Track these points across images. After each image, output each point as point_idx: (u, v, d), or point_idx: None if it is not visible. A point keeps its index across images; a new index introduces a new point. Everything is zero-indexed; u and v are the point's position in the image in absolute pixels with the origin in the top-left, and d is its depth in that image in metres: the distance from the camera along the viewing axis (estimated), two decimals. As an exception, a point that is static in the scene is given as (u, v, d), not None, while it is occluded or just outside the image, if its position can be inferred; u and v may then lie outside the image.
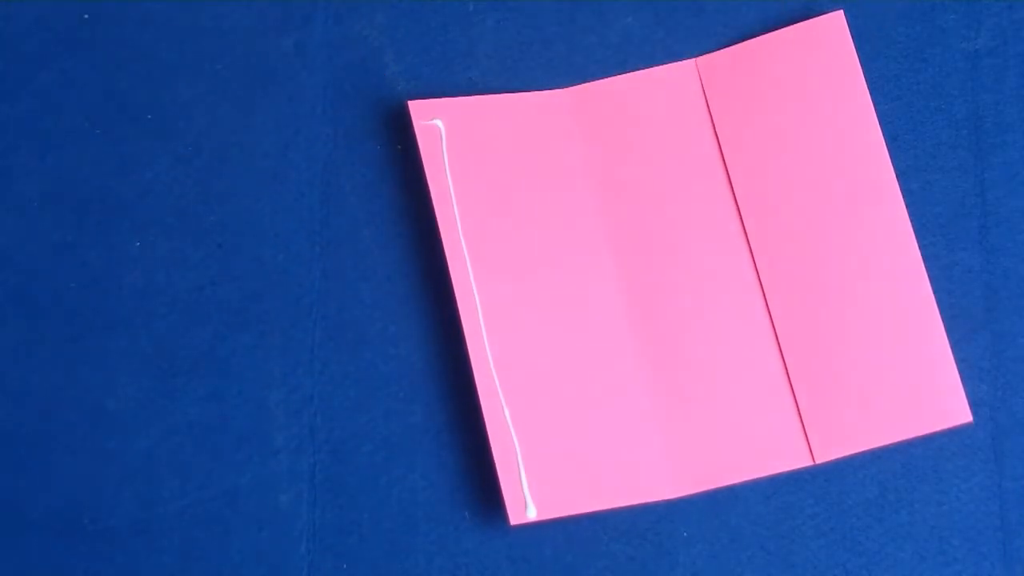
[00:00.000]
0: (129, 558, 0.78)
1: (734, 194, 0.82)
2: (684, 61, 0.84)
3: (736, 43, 0.84)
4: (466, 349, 0.79)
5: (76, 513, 0.78)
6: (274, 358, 0.80)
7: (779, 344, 0.80)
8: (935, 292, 0.80)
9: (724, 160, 0.82)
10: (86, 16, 0.84)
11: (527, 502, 0.77)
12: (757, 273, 0.81)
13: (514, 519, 0.77)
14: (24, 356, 0.80)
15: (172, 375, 0.80)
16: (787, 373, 0.79)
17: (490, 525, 0.78)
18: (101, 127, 0.83)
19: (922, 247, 0.80)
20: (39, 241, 0.82)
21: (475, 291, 0.80)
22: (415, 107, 0.82)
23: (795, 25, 0.83)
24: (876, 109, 0.82)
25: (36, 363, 0.80)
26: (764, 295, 0.81)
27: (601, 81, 0.83)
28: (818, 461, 0.78)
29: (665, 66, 0.84)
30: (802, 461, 0.79)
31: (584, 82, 0.83)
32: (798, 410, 0.79)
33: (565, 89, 0.83)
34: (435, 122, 0.82)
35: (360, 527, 0.78)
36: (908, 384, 0.79)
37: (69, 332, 0.80)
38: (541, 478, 0.77)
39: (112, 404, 0.80)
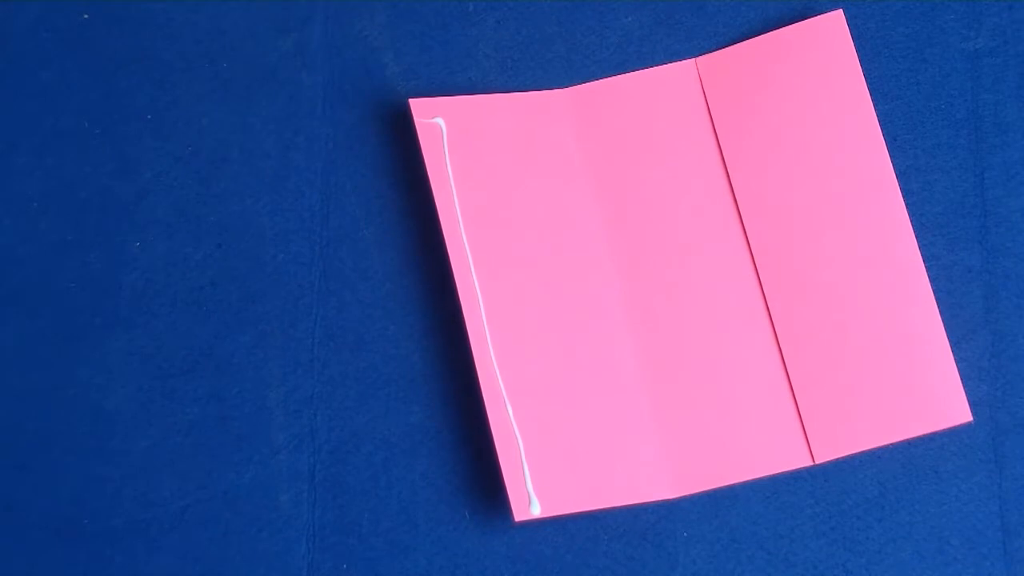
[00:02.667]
0: (129, 558, 0.78)
1: (734, 194, 0.82)
2: (684, 61, 0.84)
3: (736, 43, 0.84)
4: (468, 347, 0.79)
5: (76, 513, 0.78)
6: (274, 358, 0.80)
7: (779, 344, 0.80)
8: (935, 292, 0.80)
9: (724, 160, 0.82)
10: (86, 16, 0.84)
11: (531, 498, 0.77)
12: (757, 272, 0.81)
13: (518, 515, 0.77)
14: (24, 356, 0.80)
15: (172, 375, 0.80)
16: (787, 373, 0.79)
17: (490, 525, 0.78)
18: (101, 127, 0.83)
19: (922, 247, 0.80)
20: (39, 241, 0.82)
21: (477, 288, 0.80)
22: (416, 105, 0.82)
23: (795, 25, 0.83)
24: (876, 109, 0.82)
25: (36, 363, 0.80)
26: (764, 294, 0.81)
27: (601, 81, 0.83)
28: (818, 461, 0.78)
29: (665, 66, 0.84)
30: (802, 461, 0.79)
31: (584, 82, 0.84)
32: (798, 410, 0.79)
33: (565, 89, 0.83)
34: (436, 120, 0.82)
35: (360, 527, 0.78)
36: (908, 384, 0.79)
37: (69, 332, 0.80)
38: (544, 476, 0.77)
39: (112, 404, 0.80)
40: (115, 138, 0.83)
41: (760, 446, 0.79)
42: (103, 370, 0.80)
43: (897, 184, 0.81)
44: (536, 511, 0.77)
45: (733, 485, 0.79)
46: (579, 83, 0.83)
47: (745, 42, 0.83)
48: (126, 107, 0.83)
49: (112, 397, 0.80)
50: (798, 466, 0.78)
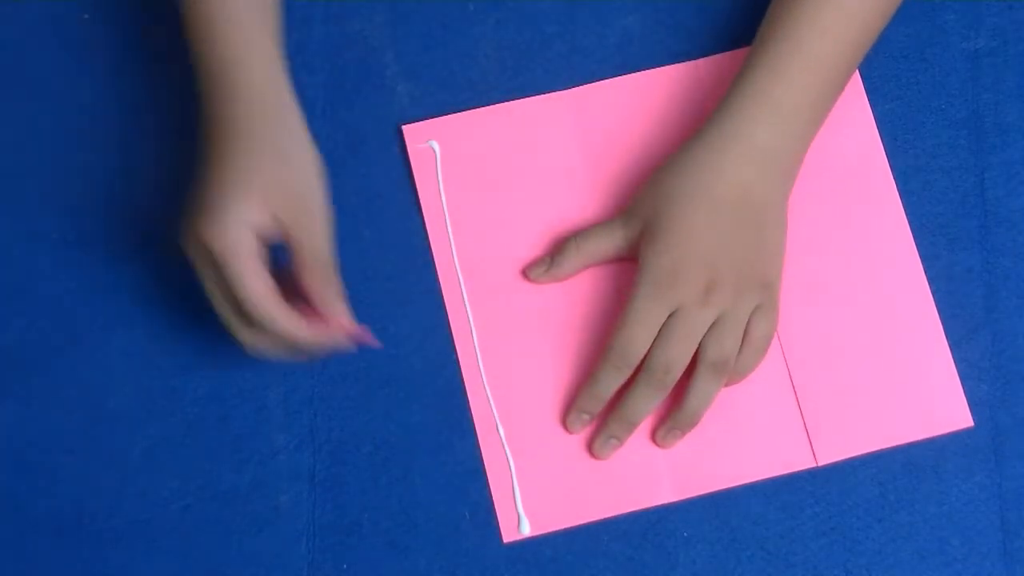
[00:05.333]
0: (129, 558, 0.78)
1: (734, 194, 0.82)
2: (685, 63, 0.84)
3: (736, 43, 0.83)
4: (459, 365, 0.79)
5: (76, 513, 0.78)
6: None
7: (781, 345, 0.80)
8: (935, 292, 0.80)
9: (724, 160, 0.82)
10: (86, 16, 0.84)
11: (520, 519, 0.78)
12: (757, 273, 0.81)
13: (507, 536, 0.77)
14: (24, 356, 0.80)
15: (172, 375, 0.80)
16: (790, 376, 0.79)
17: (490, 525, 0.78)
18: (101, 127, 0.83)
19: (922, 247, 0.80)
20: (39, 241, 0.82)
21: (469, 312, 0.80)
22: (409, 131, 0.82)
23: (795, 25, 0.83)
24: (876, 109, 0.82)
25: (36, 363, 0.80)
26: (764, 295, 0.81)
27: (601, 82, 0.83)
28: (821, 463, 0.78)
29: (666, 67, 0.84)
30: (805, 463, 0.78)
31: (584, 83, 0.83)
32: (800, 412, 0.79)
33: (565, 91, 0.83)
34: (430, 144, 0.82)
35: (360, 527, 0.78)
36: (909, 388, 0.79)
37: (69, 332, 0.80)
38: (536, 493, 0.77)
39: (112, 404, 0.79)
40: (115, 138, 0.83)
41: (763, 448, 0.78)
42: (103, 370, 0.80)
43: (895, 186, 0.81)
44: (526, 531, 0.77)
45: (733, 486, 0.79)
46: (579, 84, 0.83)
47: (747, 47, 0.83)
48: (126, 107, 0.83)
49: (112, 397, 0.80)
50: (801, 468, 0.78)
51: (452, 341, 0.80)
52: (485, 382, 0.79)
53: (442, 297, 0.81)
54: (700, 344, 0.75)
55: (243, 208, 0.73)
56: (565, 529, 0.78)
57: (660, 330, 0.75)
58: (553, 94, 0.83)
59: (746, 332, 0.76)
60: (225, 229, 0.72)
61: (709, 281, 0.74)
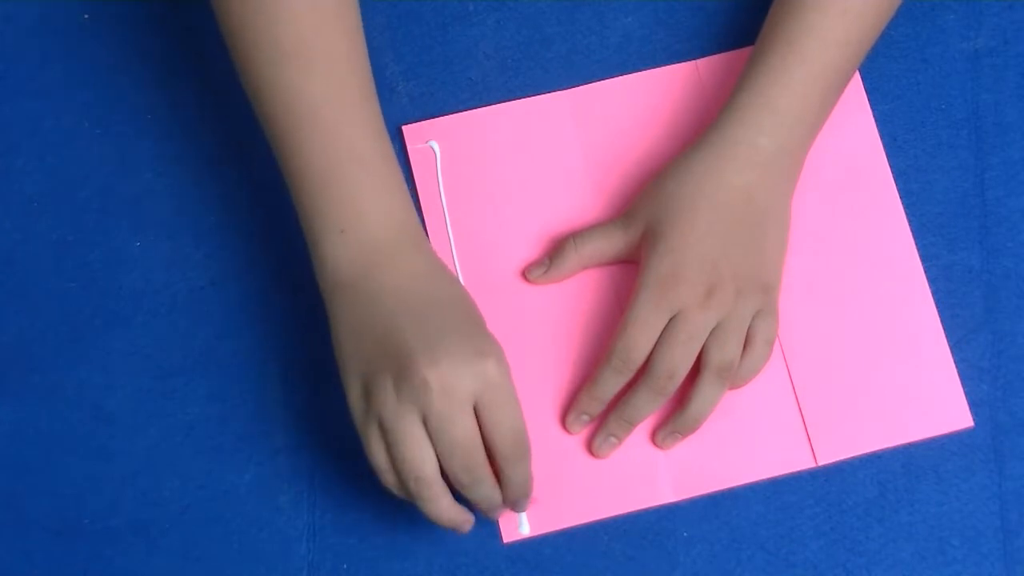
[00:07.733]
0: (129, 558, 0.78)
1: (734, 194, 0.82)
2: (685, 63, 0.84)
3: (736, 44, 0.83)
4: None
5: (76, 513, 0.78)
6: (274, 358, 0.80)
7: (781, 345, 0.80)
8: (935, 292, 0.80)
9: (724, 160, 0.82)
10: (86, 16, 0.84)
11: (520, 519, 0.78)
12: (757, 273, 0.81)
13: (507, 536, 0.77)
14: (24, 356, 0.80)
15: (172, 375, 0.80)
16: (790, 376, 0.79)
17: (490, 525, 0.78)
18: (101, 127, 0.83)
19: (922, 247, 0.80)
20: (39, 241, 0.82)
21: None
22: (409, 131, 0.82)
23: (795, 25, 0.83)
24: (876, 109, 0.82)
25: (36, 363, 0.80)
26: (764, 295, 0.81)
27: (601, 82, 0.83)
28: (821, 463, 0.78)
29: (666, 67, 0.84)
30: (805, 463, 0.78)
31: (584, 83, 0.83)
32: (800, 412, 0.79)
33: (564, 91, 0.83)
34: (430, 144, 0.82)
35: (360, 527, 0.78)
36: (909, 388, 0.79)
37: (69, 332, 0.80)
38: (536, 493, 0.77)
39: (112, 404, 0.79)
40: (115, 138, 0.83)
41: (763, 448, 0.78)
42: (103, 370, 0.80)
43: (895, 186, 0.81)
44: (525, 531, 0.77)
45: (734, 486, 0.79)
46: (579, 84, 0.83)
47: (747, 48, 0.83)
48: (126, 107, 0.83)
49: (112, 397, 0.80)
50: (801, 468, 0.78)
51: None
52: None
53: (442, 297, 0.81)
54: (703, 349, 0.75)
55: (479, 365, 0.71)
56: (565, 529, 0.78)
57: (662, 334, 0.75)
58: (553, 94, 0.83)
59: (748, 336, 0.76)
60: (463, 376, 0.71)
61: (710, 285, 0.74)
